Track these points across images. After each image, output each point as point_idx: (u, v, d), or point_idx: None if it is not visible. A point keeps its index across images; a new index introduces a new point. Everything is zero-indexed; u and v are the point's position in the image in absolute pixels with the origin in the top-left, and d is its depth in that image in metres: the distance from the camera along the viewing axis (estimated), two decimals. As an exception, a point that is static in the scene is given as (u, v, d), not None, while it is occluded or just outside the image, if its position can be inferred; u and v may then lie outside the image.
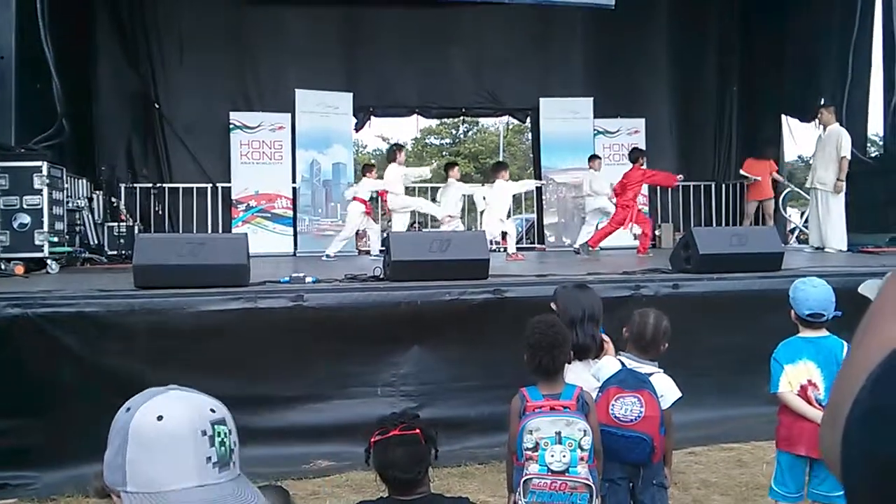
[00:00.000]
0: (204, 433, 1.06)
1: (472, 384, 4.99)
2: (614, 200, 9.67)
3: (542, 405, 2.73)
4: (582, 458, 2.63)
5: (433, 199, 10.62)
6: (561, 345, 2.87)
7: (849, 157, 8.80)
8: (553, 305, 4.01)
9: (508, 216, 9.97)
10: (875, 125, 10.69)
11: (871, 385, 0.49)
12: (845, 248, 8.67)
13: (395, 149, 9.83)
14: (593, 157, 10.51)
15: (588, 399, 2.83)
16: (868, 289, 3.26)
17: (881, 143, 11.46)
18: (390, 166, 9.50)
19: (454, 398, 4.98)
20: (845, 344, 3.27)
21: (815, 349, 3.30)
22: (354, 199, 9.50)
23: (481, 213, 9.93)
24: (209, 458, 1.05)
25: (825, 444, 0.56)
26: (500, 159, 10.90)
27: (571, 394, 2.78)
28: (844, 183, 8.77)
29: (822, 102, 9.92)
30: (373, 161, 13.32)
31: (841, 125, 9.15)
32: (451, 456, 4.37)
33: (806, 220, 10.52)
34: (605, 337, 3.60)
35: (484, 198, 9.60)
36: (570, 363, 3.01)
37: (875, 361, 0.50)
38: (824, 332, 3.34)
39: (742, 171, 11.20)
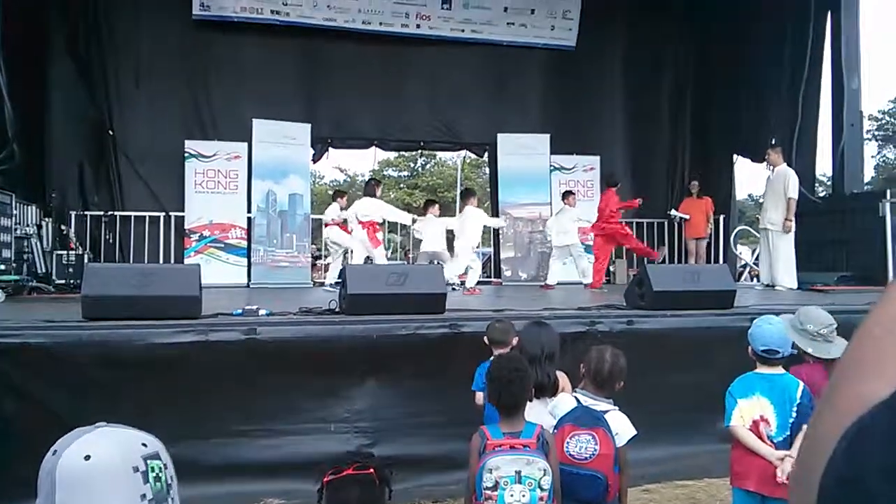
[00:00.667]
0: (136, 469, 1.01)
1: (427, 420, 4.93)
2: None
3: (502, 443, 2.71)
4: (542, 498, 2.62)
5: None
6: (519, 381, 2.86)
7: (796, 197, 9.00)
8: (486, 339, 4.04)
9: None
10: (824, 166, 11.01)
11: (845, 448, 0.48)
12: (795, 286, 8.84)
13: (374, 183, 9.86)
14: (568, 193, 10.60)
15: (548, 438, 2.82)
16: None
17: (829, 183, 11.80)
18: (373, 200, 9.41)
19: (409, 435, 4.91)
20: (801, 383, 3.33)
21: (770, 385, 3.34)
22: (329, 224, 9.51)
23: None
24: (144, 496, 1.01)
25: (796, 502, 0.55)
26: (466, 187, 10.85)
27: (532, 432, 2.76)
28: (793, 222, 8.97)
29: (772, 143, 10.23)
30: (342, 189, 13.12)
31: (790, 166, 9.42)
32: (406, 494, 4.30)
33: (757, 258, 10.76)
34: (560, 374, 3.60)
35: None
36: (530, 400, 3.00)
37: (847, 420, 0.49)
38: (780, 370, 3.39)
39: (672, 212, 11.52)
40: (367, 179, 11.81)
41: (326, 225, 9.76)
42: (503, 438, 2.74)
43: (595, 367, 3.25)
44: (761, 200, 10.15)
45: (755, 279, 10.79)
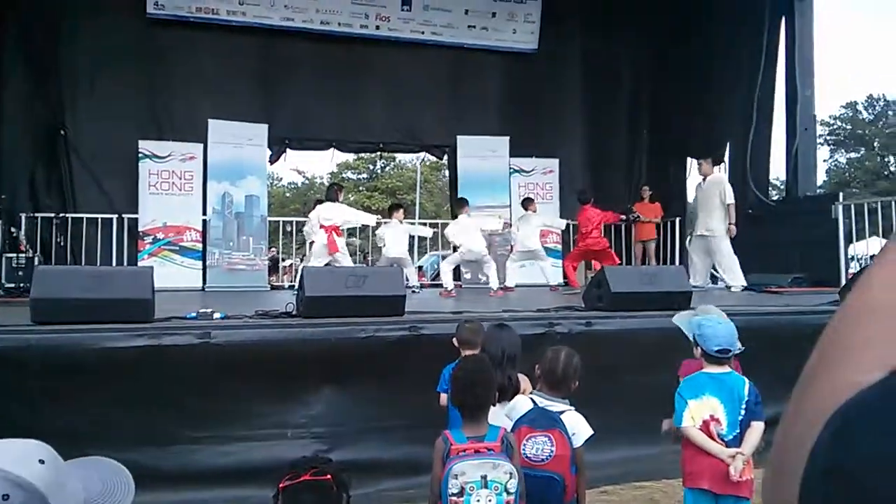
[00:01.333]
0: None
1: (387, 424, 4.89)
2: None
3: (466, 448, 2.69)
4: (508, 502, 2.60)
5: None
6: (483, 383, 2.84)
7: (734, 202, 9.52)
8: (455, 341, 4.02)
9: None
10: (777, 170, 11.22)
11: (829, 438, 0.45)
12: (745, 284, 9.19)
13: (336, 188, 9.81)
14: (529, 200, 10.62)
15: (512, 440, 2.80)
16: (679, 319, 3.36)
17: (783, 186, 12.04)
18: (335, 204, 9.32)
19: (368, 440, 4.86)
20: (746, 381, 3.38)
21: (718, 385, 3.38)
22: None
23: (454, 248, 9.98)
24: None
25: (771, 497, 0.52)
26: (460, 196, 10.79)
27: (496, 435, 2.75)
28: (734, 227, 9.45)
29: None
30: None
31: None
32: (364, 500, 4.25)
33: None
34: (522, 377, 3.59)
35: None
36: (494, 404, 2.98)
37: (828, 409, 0.47)
38: (727, 369, 3.44)
39: (632, 211, 11.81)
40: (329, 184, 11.71)
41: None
42: (467, 443, 2.72)
43: (549, 368, 3.25)
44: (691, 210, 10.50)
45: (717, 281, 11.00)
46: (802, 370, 0.55)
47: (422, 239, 11.41)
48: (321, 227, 8.95)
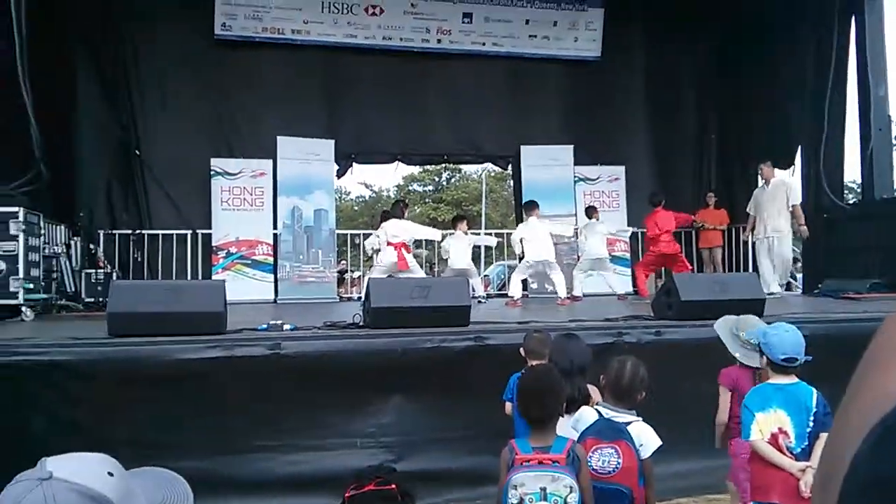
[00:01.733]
0: None
1: (454, 434, 4.89)
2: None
3: (530, 458, 2.67)
4: (567, 517, 2.56)
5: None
6: (550, 393, 2.82)
7: (799, 202, 9.77)
8: (522, 351, 4.00)
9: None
10: (853, 172, 10.87)
11: (869, 449, 0.45)
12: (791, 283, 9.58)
13: (402, 205, 9.94)
14: (592, 209, 10.58)
15: (579, 453, 2.76)
16: (719, 327, 3.30)
17: (858, 189, 11.64)
18: (400, 221, 9.40)
19: (436, 449, 4.87)
20: (814, 391, 3.27)
21: (786, 396, 3.28)
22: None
23: (519, 256, 10.01)
24: None
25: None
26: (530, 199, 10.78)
27: (562, 447, 2.71)
28: (805, 227, 9.69)
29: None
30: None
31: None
32: (431, 509, 4.26)
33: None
34: (591, 387, 3.56)
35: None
36: (563, 415, 2.95)
37: (872, 420, 0.46)
38: (794, 379, 3.33)
39: (695, 218, 11.65)
40: (394, 201, 11.82)
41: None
42: (532, 453, 2.70)
43: (615, 379, 3.21)
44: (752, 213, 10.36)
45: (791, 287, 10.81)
46: (852, 377, 0.54)
47: (488, 249, 11.40)
48: (388, 243, 9.05)
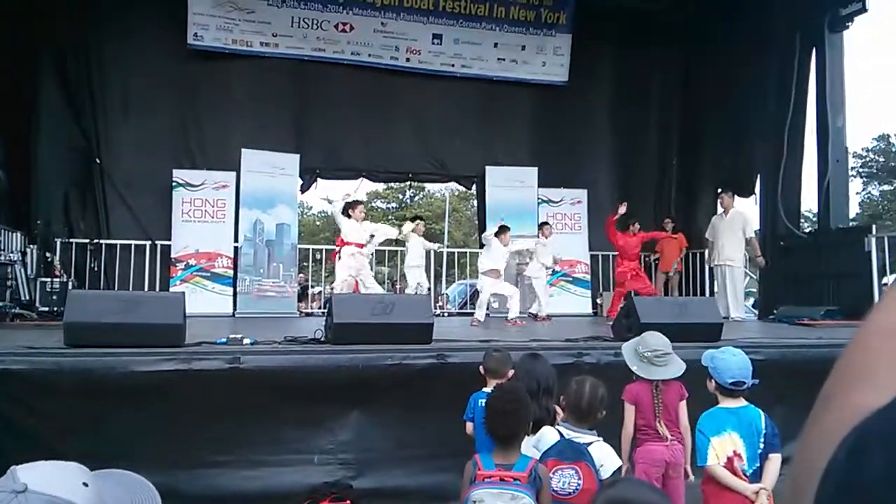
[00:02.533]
0: None
1: (413, 452, 4.87)
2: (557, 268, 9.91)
3: (492, 475, 2.68)
4: (523, 536, 2.57)
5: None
6: (518, 412, 2.83)
7: (755, 235, 10.25)
8: (481, 370, 4.01)
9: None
10: (810, 202, 11.14)
11: (845, 456, 0.46)
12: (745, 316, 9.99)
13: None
14: (544, 224, 10.64)
15: (542, 473, 2.77)
16: (625, 349, 3.38)
17: (815, 218, 11.92)
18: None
19: (395, 467, 4.85)
20: (762, 413, 3.34)
21: (738, 420, 3.35)
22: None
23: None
24: None
25: None
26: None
27: (525, 466, 2.72)
28: (761, 259, 10.19)
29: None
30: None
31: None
32: (389, 527, 4.23)
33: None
34: (559, 408, 3.58)
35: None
36: (528, 434, 2.97)
37: (844, 428, 0.48)
38: (743, 402, 3.41)
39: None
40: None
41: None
42: (494, 470, 2.71)
43: (575, 399, 3.24)
44: (709, 241, 10.76)
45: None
46: (821, 390, 0.56)
47: (450, 267, 11.42)
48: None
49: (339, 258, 8.99)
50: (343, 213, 9.09)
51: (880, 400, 0.47)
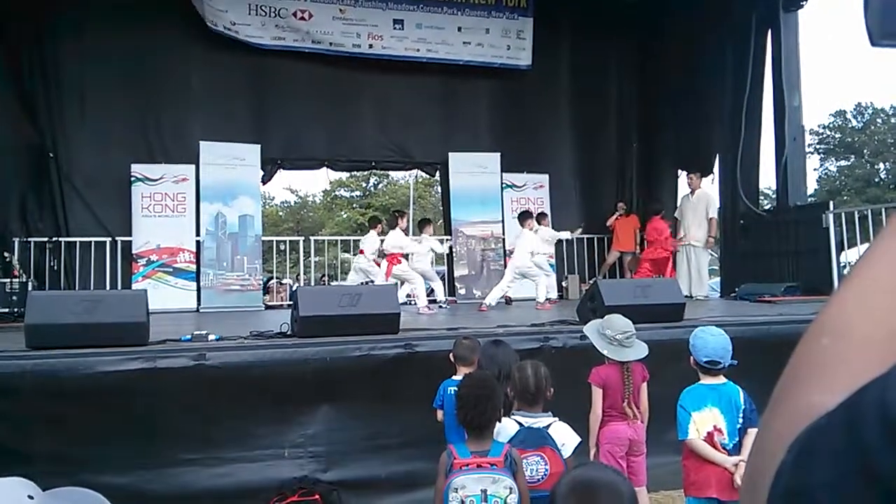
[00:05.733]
0: None
1: (383, 442, 4.88)
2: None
3: (469, 462, 2.71)
4: (508, 517, 2.61)
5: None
6: (489, 400, 2.87)
7: (716, 217, 10.58)
8: (451, 357, 4.04)
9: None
10: (768, 180, 11.31)
11: (793, 458, 0.47)
12: (708, 294, 10.31)
13: (398, 215, 9.87)
14: (529, 216, 10.39)
15: (516, 457, 2.82)
16: (588, 329, 3.46)
17: (774, 196, 12.11)
18: (394, 232, 9.40)
19: (366, 458, 4.85)
20: (740, 389, 3.44)
21: (718, 396, 3.45)
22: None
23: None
24: None
25: None
26: (526, 209, 10.83)
27: (500, 451, 2.77)
28: (713, 239, 10.44)
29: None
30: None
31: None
32: (362, 517, 4.24)
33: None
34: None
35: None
36: (500, 421, 3.00)
37: (794, 430, 0.48)
38: (722, 379, 3.51)
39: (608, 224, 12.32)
40: (393, 212, 11.76)
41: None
42: (470, 457, 2.74)
43: (521, 386, 3.29)
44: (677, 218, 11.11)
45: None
46: (775, 387, 0.56)
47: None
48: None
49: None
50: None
51: (831, 401, 0.47)
